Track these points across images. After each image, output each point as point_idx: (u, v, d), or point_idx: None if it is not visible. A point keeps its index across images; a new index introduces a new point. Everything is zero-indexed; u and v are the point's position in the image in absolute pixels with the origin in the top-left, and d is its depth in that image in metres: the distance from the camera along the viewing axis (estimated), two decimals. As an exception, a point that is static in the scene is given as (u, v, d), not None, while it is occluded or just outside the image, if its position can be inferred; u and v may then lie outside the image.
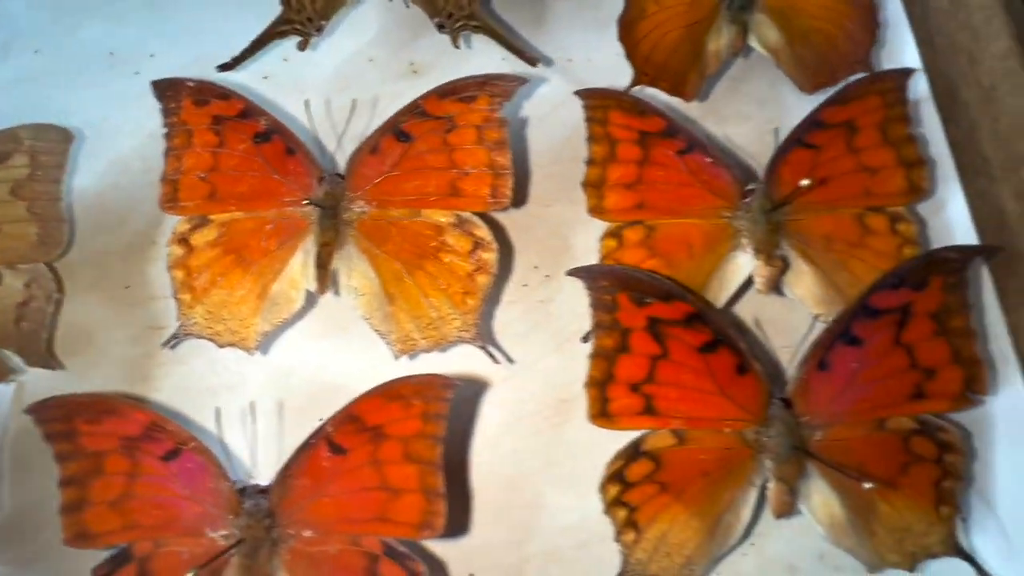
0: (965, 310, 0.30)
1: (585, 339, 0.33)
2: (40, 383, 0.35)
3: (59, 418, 0.28)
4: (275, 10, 0.43)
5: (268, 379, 0.35)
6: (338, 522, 0.28)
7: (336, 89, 0.43)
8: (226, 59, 0.42)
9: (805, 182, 0.32)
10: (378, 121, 0.37)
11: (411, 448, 0.28)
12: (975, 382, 0.30)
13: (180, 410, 0.35)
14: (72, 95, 0.43)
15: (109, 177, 0.41)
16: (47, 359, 0.34)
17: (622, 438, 0.31)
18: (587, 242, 0.35)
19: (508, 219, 0.38)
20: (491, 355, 0.33)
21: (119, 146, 0.42)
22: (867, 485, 0.28)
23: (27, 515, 0.34)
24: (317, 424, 0.30)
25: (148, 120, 0.40)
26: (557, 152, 0.39)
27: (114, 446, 0.28)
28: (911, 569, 0.30)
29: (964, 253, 0.31)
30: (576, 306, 0.34)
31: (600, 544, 0.31)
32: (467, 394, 0.33)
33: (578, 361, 0.31)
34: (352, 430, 0.28)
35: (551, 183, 0.39)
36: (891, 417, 0.30)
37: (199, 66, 0.42)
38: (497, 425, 0.34)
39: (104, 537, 0.29)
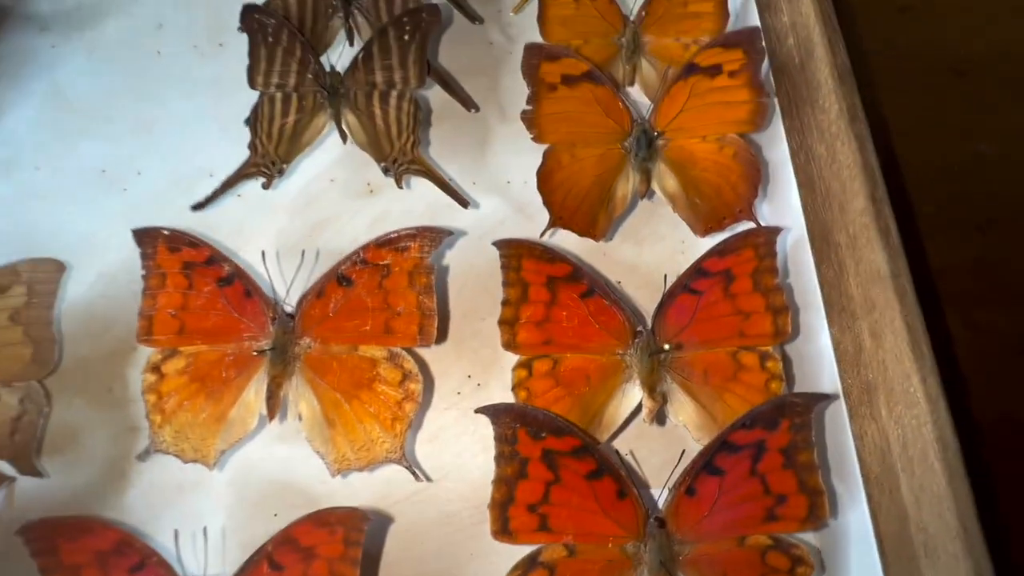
0: (809, 447, 0.35)
1: None
2: (28, 485, 0.40)
3: (43, 538, 0.33)
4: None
5: (230, 478, 0.41)
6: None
7: (301, 206, 0.49)
8: (206, 179, 0.48)
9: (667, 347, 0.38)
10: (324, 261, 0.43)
11: (335, 568, 0.33)
12: (817, 508, 0.35)
13: (152, 504, 0.40)
14: (66, 209, 0.49)
15: (97, 287, 0.47)
16: (35, 469, 0.39)
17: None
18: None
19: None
20: (414, 473, 0.39)
21: (107, 259, 0.47)
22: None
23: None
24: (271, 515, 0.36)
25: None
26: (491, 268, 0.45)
27: (90, 560, 0.33)
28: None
29: (808, 400, 0.36)
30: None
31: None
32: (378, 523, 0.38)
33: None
34: (289, 550, 0.33)
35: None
36: (749, 535, 0.36)
37: (180, 186, 0.49)
38: (420, 525, 0.39)
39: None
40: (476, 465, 0.39)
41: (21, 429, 0.40)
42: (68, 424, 0.43)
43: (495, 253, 0.42)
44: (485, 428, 0.40)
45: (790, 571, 0.35)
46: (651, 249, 0.45)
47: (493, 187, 0.48)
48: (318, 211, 0.48)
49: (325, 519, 0.33)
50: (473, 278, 0.44)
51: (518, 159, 0.48)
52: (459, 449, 0.40)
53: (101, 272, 0.47)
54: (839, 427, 0.40)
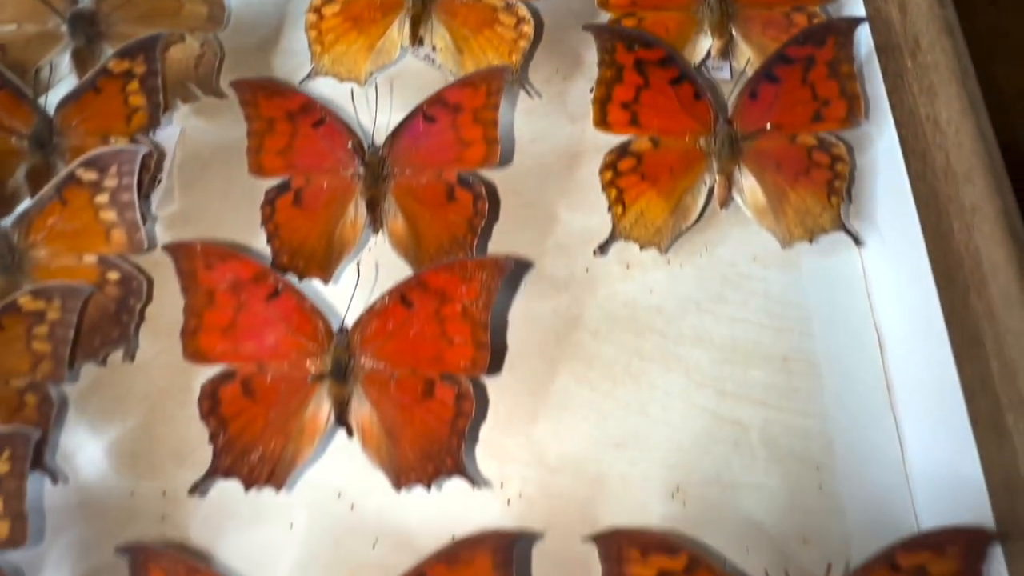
0: (850, 60, 0.44)
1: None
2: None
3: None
4: None
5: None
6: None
7: None
8: None
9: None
10: None
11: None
12: (855, 110, 0.43)
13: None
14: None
15: None
16: (217, 92, 0.50)
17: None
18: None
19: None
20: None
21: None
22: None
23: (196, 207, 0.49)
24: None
25: None
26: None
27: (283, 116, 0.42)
28: (810, 240, 0.44)
29: (851, 23, 0.44)
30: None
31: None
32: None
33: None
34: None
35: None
36: (799, 134, 0.44)
37: None
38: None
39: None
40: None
41: (203, 64, 0.49)
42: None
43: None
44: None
45: (831, 166, 0.44)
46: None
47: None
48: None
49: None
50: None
51: None
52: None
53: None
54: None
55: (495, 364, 0.43)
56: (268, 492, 0.40)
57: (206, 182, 0.50)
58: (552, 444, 0.43)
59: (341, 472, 0.42)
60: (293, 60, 0.54)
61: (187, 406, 0.43)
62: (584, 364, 0.45)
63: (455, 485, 0.40)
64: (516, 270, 0.46)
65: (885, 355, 0.44)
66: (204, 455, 0.41)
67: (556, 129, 0.52)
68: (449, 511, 0.40)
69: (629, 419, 0.43)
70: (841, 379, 0.44)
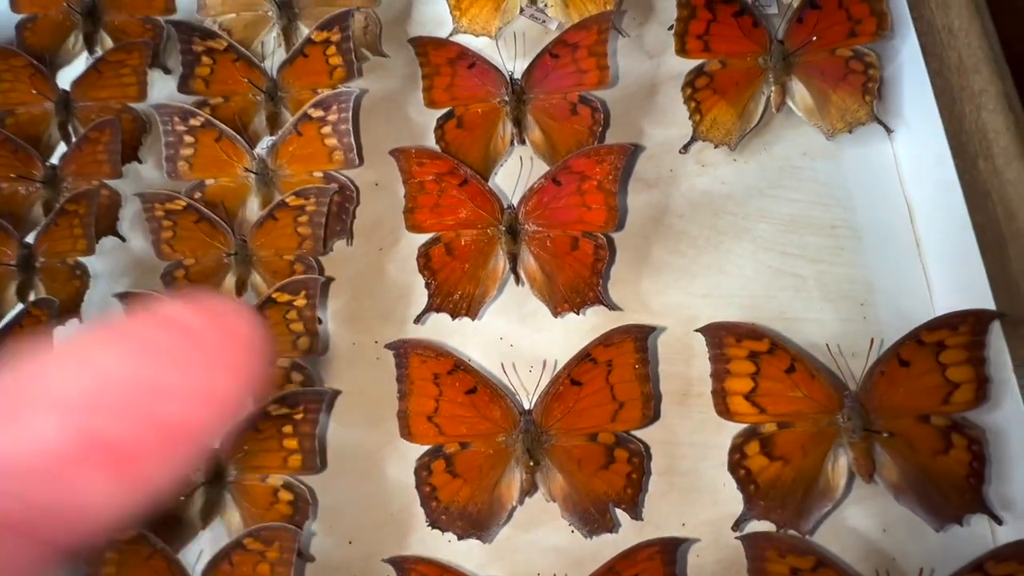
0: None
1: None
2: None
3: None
4: None
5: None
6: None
7: None
8: None
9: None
10: None
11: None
12: (882, 26, 0.54)
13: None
14: None
15: None
16: (381, 52, 0.64)
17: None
18: None
19: None
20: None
21: None
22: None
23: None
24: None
25: None
26: None
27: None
28: (850, 131, 0.56)
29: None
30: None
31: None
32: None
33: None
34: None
35: None
36: (837, 48, 0.56)
37: None
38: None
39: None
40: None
41: (368, 32, 0.63)
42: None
43: None
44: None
45: (864, 72, 0.56)
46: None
47: None
48: None
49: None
50: None
51: None
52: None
53: None
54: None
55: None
56: (456, 334, 0.56)
57: (376, 120, 0.66)
58: (654, 297, 0.57)
59: (501, 326, 0.57)
60: (426, 28, 0.68)
61: (382, 281, 0.59)
62: (674, 239, 0.58)
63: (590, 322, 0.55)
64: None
65: (914, 218, 0.56)
66: (402, 315, 0.58)
67: (637, 64, 0.65)
68: (580, 340, 0.53)
69: (711, 277, 0.57)
70: (878, 239, 0.56)
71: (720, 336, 0.49)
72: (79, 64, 0.70)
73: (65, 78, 0.70)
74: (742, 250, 0.57)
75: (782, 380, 0.47)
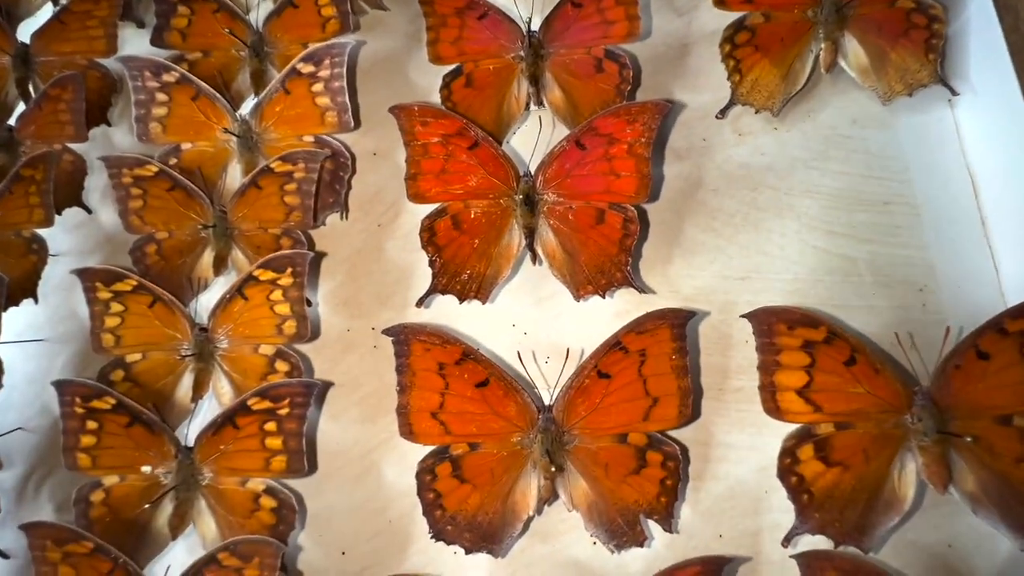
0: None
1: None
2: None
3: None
4: None
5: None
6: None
7: None
8: None
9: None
10: None
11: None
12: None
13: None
14: None
15: None
16: (380, 5, 0.58)
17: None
18: None
19: None
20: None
21: None
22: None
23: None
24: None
25: None
26: None
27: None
28: (910, 94, 0.50)
29: None
30: None
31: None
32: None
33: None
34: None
35: None
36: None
37: None
38: None
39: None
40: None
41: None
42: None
43: None
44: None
45: (928, 26, 0.49)
46: None
47: None
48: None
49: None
50: None
51: None
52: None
53: None
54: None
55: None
56: (464, 319, 0.49)
57: (374, 82, 0.59)
58: (686, 280, 0.50)
59: (515, 311, 0.51)
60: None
61: (381, 261, 0.53)
62: (708, 216, 0.52)
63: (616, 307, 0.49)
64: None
65: (979, 193, 0.50)
66: (403, 297, 0.51)
67: (666, 22, 0.58)
68: (606, 327, 0.47)
69: (751, 258, 0.50)
70: (939, 216, 0.50)
71: (770, 323, 0.42)
72: (44, 15, 0.63)
73: (26, 31, 0.63)
74: (784, 228, 0.51)
75: (841, 374, 0.41)
